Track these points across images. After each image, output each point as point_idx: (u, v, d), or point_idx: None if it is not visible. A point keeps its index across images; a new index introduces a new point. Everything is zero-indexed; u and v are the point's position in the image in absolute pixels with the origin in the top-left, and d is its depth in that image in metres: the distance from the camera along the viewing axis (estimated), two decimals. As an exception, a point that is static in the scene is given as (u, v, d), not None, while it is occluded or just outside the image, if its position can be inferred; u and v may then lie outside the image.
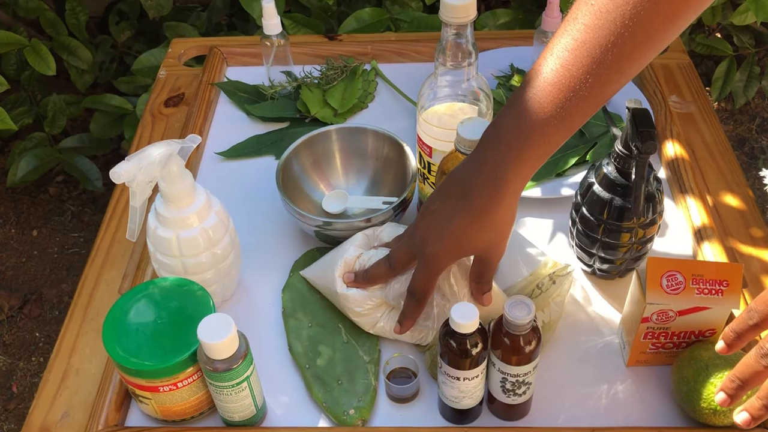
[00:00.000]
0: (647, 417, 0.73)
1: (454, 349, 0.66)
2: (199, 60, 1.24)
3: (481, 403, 0.72)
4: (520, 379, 0.68)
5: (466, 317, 0.64)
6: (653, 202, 0.75)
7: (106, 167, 1.95)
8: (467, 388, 0.68)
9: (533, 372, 0.68)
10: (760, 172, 2.04)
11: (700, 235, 0.86)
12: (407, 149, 0.87)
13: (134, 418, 0.75)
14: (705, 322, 0.70)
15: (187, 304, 0.72)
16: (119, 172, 0.67)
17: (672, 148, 0.96)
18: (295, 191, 0.89)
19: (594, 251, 0.80)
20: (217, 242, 0.77)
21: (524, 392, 0.70)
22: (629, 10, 0.58)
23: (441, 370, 0.69)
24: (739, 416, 0.58)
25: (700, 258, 0.85)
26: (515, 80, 1.07)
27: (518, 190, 0.68)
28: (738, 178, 0.96)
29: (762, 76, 1.82)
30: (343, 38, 1.19)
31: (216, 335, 0.64)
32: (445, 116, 0.81)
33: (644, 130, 0.67)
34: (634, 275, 0.73)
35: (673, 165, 0.95)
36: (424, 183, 0.87)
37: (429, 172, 0.85)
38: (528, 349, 0.66)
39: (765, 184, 2.01)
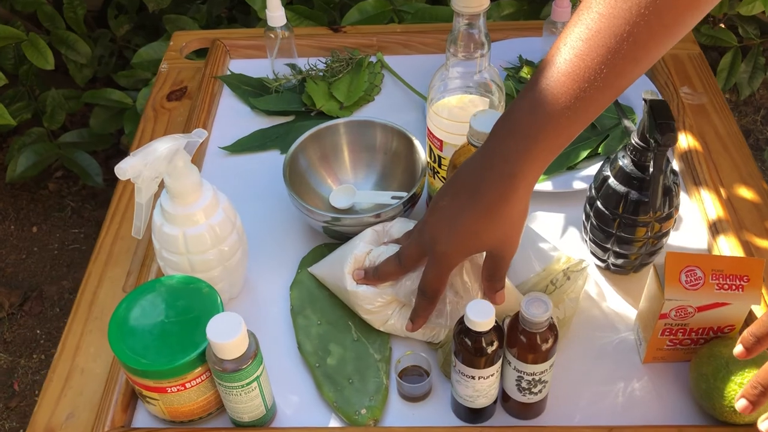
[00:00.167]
0: (665, 415, 0.71)
1: (469, 348, 0.65)
2: (200, 53, 1.22)
3: (495, 401, 0.70)
4: (537, 378, 0.66)
5: (482, 315, 0.63)
6: (670, 195, 0.73)
7: (106, 162, 1.93)
8: (482, 387, 0.67)
9: (550, 370, 0.67)
10: (765, 164, 2.02)
11: (715, 228, 0.85)
12: (416, 143, 0.86)
13: (141, 419, 0.73)
14: (724, 318, 0.69)
15: (194, 302, 0.70)
16: (124, 168, 0.65)
17: (685, 140, 0.95)
18: (302, 186, 0.87)
19: (608, 246, 0.78)
20: (225, 239, 0.75)
21: (540, 391, 0.68)
22: None
23: (455, 369, 0.67)
24: (764, 425, 0.57)
25: (715, 252, 0.83)
26: (524, 72, 1.05)
27: (530, 184, 0.66)
28: (752, 170, 0.94)
29: (767, 66, 1.80)
30: (348, 30, 1.17)
31: (225, 335, 0.62)
32: (455, 109, 0.79)
33: (663, 121, 0.66)
34: (651, 270, 0.71)
35: (686, 157, 0.93)
36: (434, 177, 0.85)
37: (439, 166, 0.83)
38: (545, 347, 0.64)
39: (770, 176, 2.00)
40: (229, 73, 1.12)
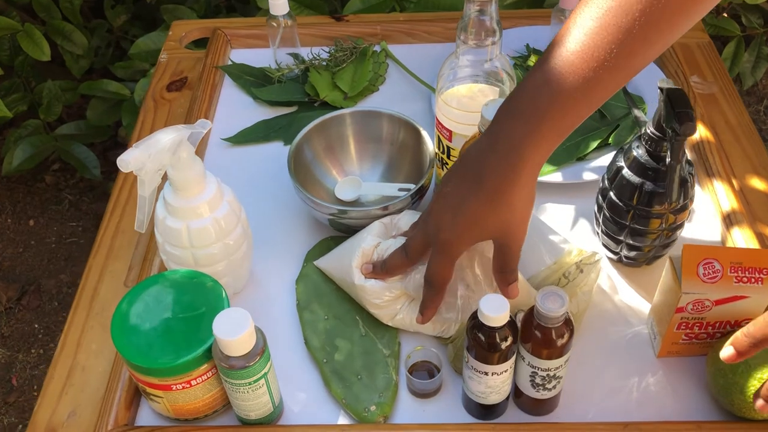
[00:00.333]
0: (681, 410, 0.70)
1: (483, 343, 0.63)
2: (199, 44, 1.19)
3: (507, 398, 0.69)
4: (551, 374, 0.65)
5: (496, 310, 0.61)
6: (685, 186, 0.72)
7: (104, 155, 1.91)
8: (495, 383, 0.65)
9: (564, 366, 0.65)
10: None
11: (729, 220, 0.83)
12: (424, 134, 0.84)
13: (145, 417, 0.71)
14: (743, 312, 0.67)
15: (199, 297, 0.68)
16: (127, 160, 0.63)
17: (696, 131, 0.93)
18: (307, 178, 0.85)
19: (621, 238, 0.77)
20: (229, 233, 0.73)
21: (554, 387, 0.67)
22: None
23: (467, 365, 0.66)
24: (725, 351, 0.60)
25: (729, 244, 0.82)
26: (532, 61, 1.03)
27: (536, 168, 0.63)
28: (764, 161, 0.92)
29: (771, 56, 1.79)
30: (351, 19, 1.15)
31: (232, 331, 0.60)
32: (465, 98, 0.77)
33: (682, 110, 0.64)
34: (667, 263, 0.70)
35: (698, 148, 0.92)
36: (442, 169, 0.84)
37: (448, 157, 0.81)
38: (560, 342, 0.63)
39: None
40: (230, 62, 1.10)
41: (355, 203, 0.87)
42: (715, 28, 1.72)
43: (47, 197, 1.93)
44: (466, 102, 0.77)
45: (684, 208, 0.74)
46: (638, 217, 0.74)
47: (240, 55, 1.11)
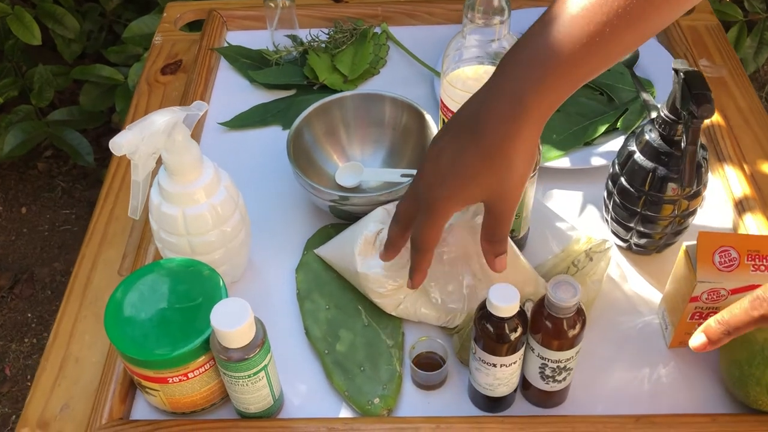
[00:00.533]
0: (694, 403, 0.68)
1: (491, 334, 0.61)
2: (194, 26, 1.16)
3: (515, 389, 0.67)
4: (561, 365, 0.63)
5: (505, 299, 0.59)
6: (699, 171, 0.69)
7: (97, 141, 1.88)
8: (503, 375, 0.63)
9: (575, 357, 0.63)
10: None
11: (741, 206, 0.81)
12: (428, 118, 0.81)
13: (140, 410, 0.69)
14: (759, 301, 0.65)
15: (196, 287, 0.66)
16: (120, 143, 0.60)
17: (714, 113, 0.90)
18: (307, 163, 0.82)
19: (632, 225, 0.74)
20: (227, 219, 0.71)
21: (564, 378, 0.64)
22: None
23: (474, 356, 0.63)
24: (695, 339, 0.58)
25: (742, 231, 0.79)
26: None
27: (540, 122, 0.57)
28: (775, 146, 0.90)
29: (773, 41, 1.76)
30: (350, 0, 1.12)
31: (231, 322, 0.58)
32: (470, 81, 0.74)
33: (699, 92, 0.61)
34: (681, 251, 0.67)
35: (708, 132, 0.89)
36: (446, 153, 0.81)
37: (452, 141, 0.78)
38: (571, 333, 0.60)
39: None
40: (226, 45, 1.07)
41: (356, 189, 0.84)
42: (718, 13, 1.69)
43: (40, 184, 1.90)
44: (472, 84, 0.74)
45: (697, 194, 0.72)
46: (650, 203, 0.71)
47: (236, 37, 1.08)
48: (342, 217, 0.80)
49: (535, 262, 0.76)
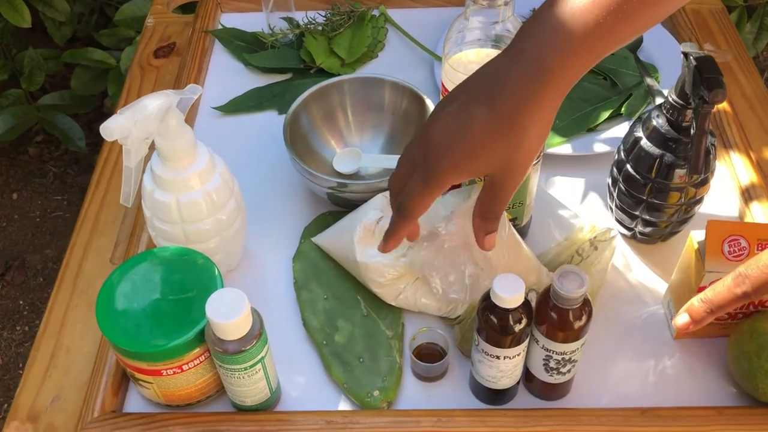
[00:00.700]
0: (700, 395, 0.66)
1: (495, 326, 0.59)
2: (187, 8, 1.13)
3: (518, 382, 0.65)
4: (566, 357, 0.61)
5: (510, 290, 0.57)
6: (707, 158, 0.68)
7: (89, 126, 1.85)
8: (506, 367, 0.61)
9: (581, 349, 0.61)
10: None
11: (748, 194, 0.79)
12: (429, 102, 0.79)
13: (133, 403, 0.67)
14: (768, 292, 0.64)
15: (190, 276, 0.64)
16: (111, 128, 0.58)
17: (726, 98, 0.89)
18: (304, 149, 0.80)
19: (637, 213, 0.73)
20: (222, 206, 0.69)
21: (569, 371, 0.63)
22: None
23: (477, 348, 0.62)
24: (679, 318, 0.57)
25: (748, 219, 0.78)
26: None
27: (560, 92, 0.53)
28: (782, 133, 0.88)
29: (773, 27, 1.74)
30: (348, -18, 1.09)
31: (227, 313, 0.56)
32: (472, 64, 0.72)
33: (711, 76, 0.59)
34: (688, 240, 0.66)
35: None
36: (447, 139, 0.79)
37: (454, 126, 0.76)
38: (578, 324, 0.59)
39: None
40: (220, 27, 1.04)
41: (355, 176, 0.82)
42: (718, -3, 1.67)
43: (31, 170, 1.87)
44: (475, 68, 0.71)
45: (705, 182, 0.70)
46: (656, 190, 0.70)
47: (231, 20, 1.06)
48: (340, 204, 0.78)
49: (537, 250, 0.74)
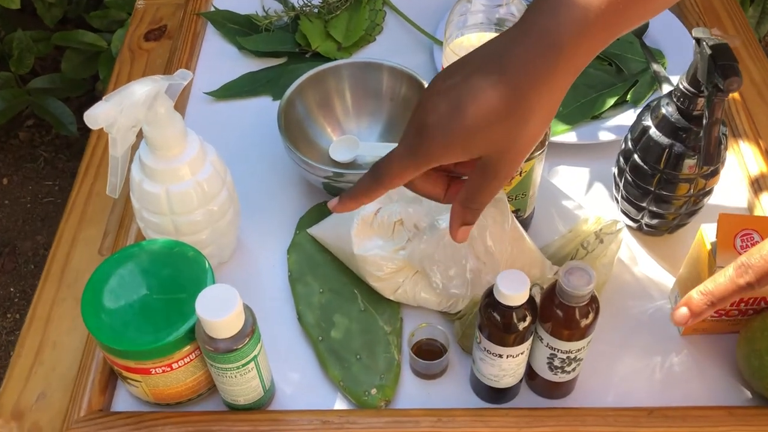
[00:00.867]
0: (709, 394, 0.64)
1: (498, 323, 0.56)
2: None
3: (521, 380, 0.63)
4: (572, 356, 0.59)
5: (515, 287, 0.55)
6: (719, 148, 0.65)
7: (81, 110, 1.80)
8: (509, 366, 0.59)
9: (586, 347, 0.59)
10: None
11: (757, 184, 0.77)
12: (428, 88, 0.76)
13: (122, 401, 0.65)
14: (781, 288, 0.61)
15: (180, 270, 0.61)
16: (95, 115, 0.55)
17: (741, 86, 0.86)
18: (299, 137, 0.78)
19: (644, 205, 0.70)
20: (213, 197, 0.66)
21: (573, 369, 0.61)
22: None
23: (479, 345, 0.59)
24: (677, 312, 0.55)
25: (758, 211, 0.75)
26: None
27: (572, 72, 0.49)
28: (791, 121, 0.86)
29: (778, 11, 1.71)
30: (344, -37, 1.05)
31: (218, 311, 0.54)
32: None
33: (726, 63, 0.57)
34: (698, 233, 0.63)
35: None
36: (447, 127, 0.76)
37: (454, 114, 0.74)
38: (584, 322, 0.56)
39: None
40: (213, 9, 1.01)
41: (351, 165, 0.80)
42: (721, -20, 1.64)
43: (21, 154, 1.84)
44: (476, 53, 0.69)
45: (715, 173, 0.67)
46: (665, 182, 0.67)
47: (224, 2, 1.02)
48: (336, 194, 0.75)
49: (540, 242, 0.72)
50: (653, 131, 0.66)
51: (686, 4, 0.97)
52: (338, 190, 0.74)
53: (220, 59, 0.95)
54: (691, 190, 0.68)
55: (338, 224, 0.70)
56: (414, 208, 0.67)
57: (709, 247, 0.61)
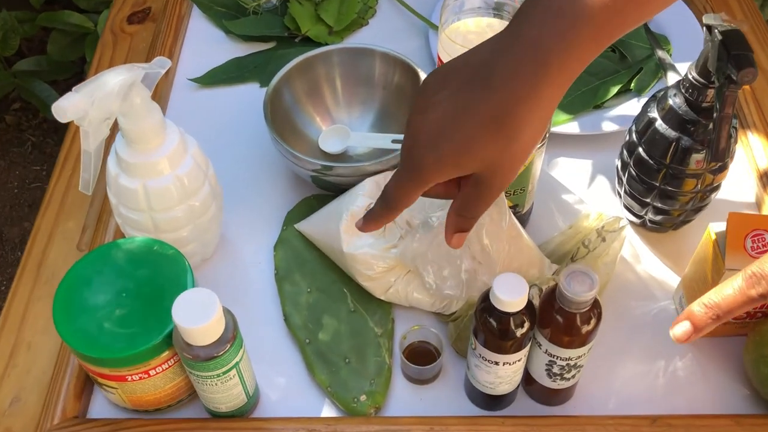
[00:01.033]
0: (714, 401, 0.61)
1: (494, 329, 0.53)
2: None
3: (517, 386, 0.60)
4: (572, 363, 0.56)
5: (512, 293, 0.51)
6: (728, 142, 0.61)
7: (68, 93, 1.77)
8: (506, 373, 0.56)
9: (587, 354, 0.56)
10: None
11: (767, 178, 0.73)
12: (422, 76, 0.73)
13: (98, 408, 0.62)
14: (793, 291, 0.58)
15: (159, 271, 0.58)
16: (64, 107, 0.52)
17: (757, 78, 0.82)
18: (286, 126, 0.74)
19: (648, 200, 0.67)
20: (194, 192, 0.63)
21: (573, 376, 0.58)
22: None
23: (474, 351, 0.56)
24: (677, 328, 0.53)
25: (767, 208, 0.72)
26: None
27: (561, 85, 0.48)
28: (802, 111, 0.82)
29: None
30: (337, -57, 1.01)
31: (196, 318, 0.50)
32: (471, 35, 0.66)
33: (740, 53, 0.53)
34: (706, 233, 0.60)
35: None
36: (442, 117, 0.72)
37: (450, 104, 0.70)
38: (585, 329, 0.53)
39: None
40: (199, -9, 0.97)
41: (342, 157, 0.76)
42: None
43: (8, 138, 1.80)
44: (473, 39, 0.65)
45: (724, 168, 0.64)
46: (671, 176, 0.64)
47: (210, -17, 0.98)
48: (326, 188, 0.72)
49: (539, 239, 0.69)
50: (659, 123, 0.63)
51: (693, -12, 0.93)
52: (327, 183, 0.71)
53: (205, 44, 0.91)
54: (698, 186, 0.64)
55: (327, 220, 0.67)
56: (406, 205, 0.63)
57: (717, 247, 0.58)
